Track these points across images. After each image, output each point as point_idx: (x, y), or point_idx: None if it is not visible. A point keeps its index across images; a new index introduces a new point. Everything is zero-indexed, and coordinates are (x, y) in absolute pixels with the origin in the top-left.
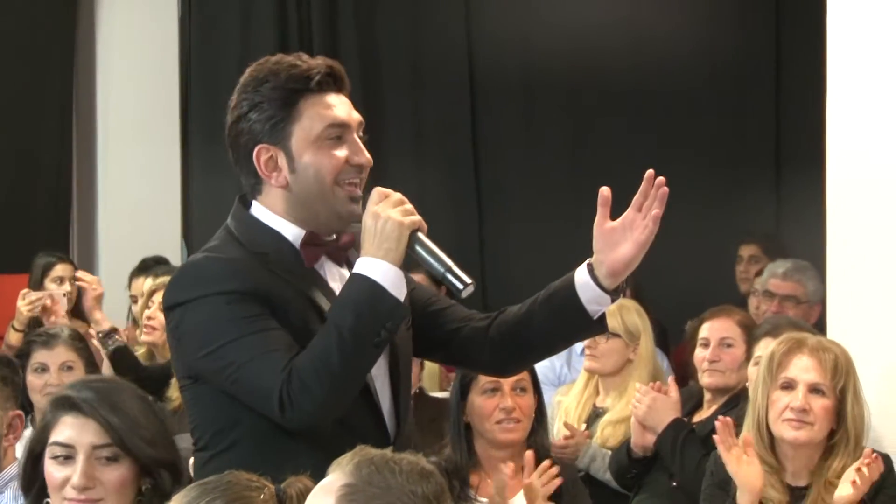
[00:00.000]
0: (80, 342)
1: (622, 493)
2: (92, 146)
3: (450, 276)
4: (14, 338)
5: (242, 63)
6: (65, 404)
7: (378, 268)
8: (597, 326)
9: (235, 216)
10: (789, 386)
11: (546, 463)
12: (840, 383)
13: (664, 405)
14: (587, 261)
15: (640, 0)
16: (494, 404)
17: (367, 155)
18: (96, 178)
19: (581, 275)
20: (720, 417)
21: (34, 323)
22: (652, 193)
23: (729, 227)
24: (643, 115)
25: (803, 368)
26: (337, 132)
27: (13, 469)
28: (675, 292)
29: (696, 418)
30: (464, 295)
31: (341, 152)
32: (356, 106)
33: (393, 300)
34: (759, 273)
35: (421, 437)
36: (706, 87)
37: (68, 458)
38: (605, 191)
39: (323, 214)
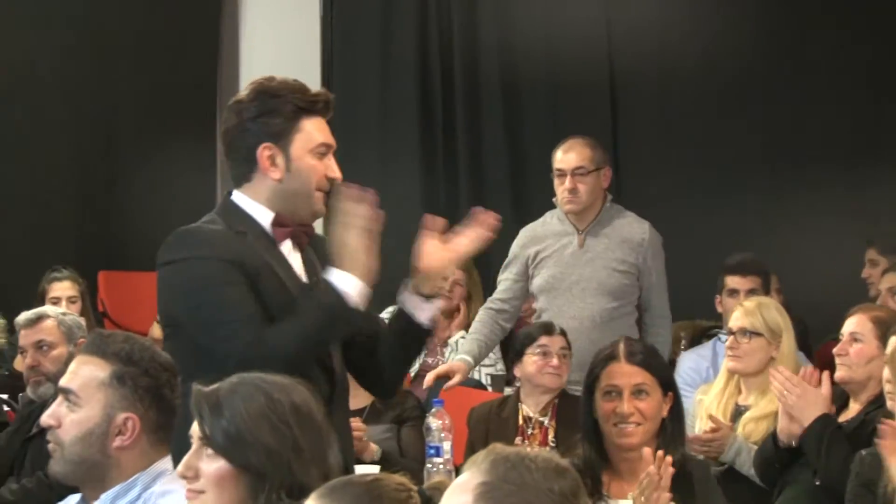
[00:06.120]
0: None
1: (765, 491)
2: None
3: None
4: (158, 331)
5: (384, 62)
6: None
7: (352, 283)
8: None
9: (221, 205)
10: None
11: (660, 453)
12: None
13: (815, 398)
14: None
15: None
16: (612, 407)
17: (339, 172)
18: None
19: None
20: (886, 421)
21: None
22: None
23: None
24: (780, 112)
25: None
26: (324, 150)
27: (163, 464)
28: (823, 291)
29: (842, 418)
30: None
31: (323, 166)
32: (495, 104)
33: (355, 313)
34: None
35: (569, 434)
36: (838, 84)
37: None
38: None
39: (301, 209)
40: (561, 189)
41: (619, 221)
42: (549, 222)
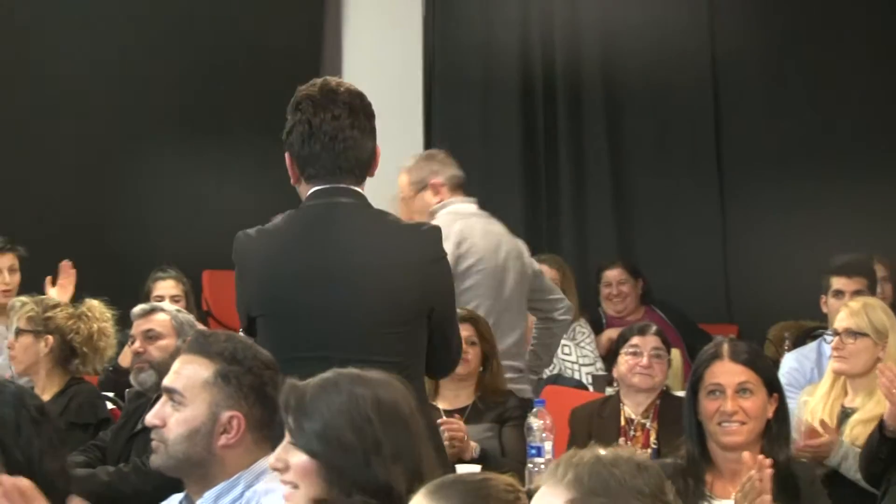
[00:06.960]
0: None
1: (870, 494)
2: None
3: None
4: None
5: (485, 64)
6: None
7: None
8: None
9: (363, 200)
10: None
11: (761, 457)
12: None
13: None
14: None
15: None
16: (716, 406)
17: None
18: None
19: None
20: None
21: None
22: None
23: None
24: (885, 111)
25: None
26: None
27: (265, 462)
28: None
29: None
30: None
31: None
32: (597, 104)
33: None
34: None
35: (671, 436)
36: None
37: None
38: None
39: None
40: None
41: None
42: None
